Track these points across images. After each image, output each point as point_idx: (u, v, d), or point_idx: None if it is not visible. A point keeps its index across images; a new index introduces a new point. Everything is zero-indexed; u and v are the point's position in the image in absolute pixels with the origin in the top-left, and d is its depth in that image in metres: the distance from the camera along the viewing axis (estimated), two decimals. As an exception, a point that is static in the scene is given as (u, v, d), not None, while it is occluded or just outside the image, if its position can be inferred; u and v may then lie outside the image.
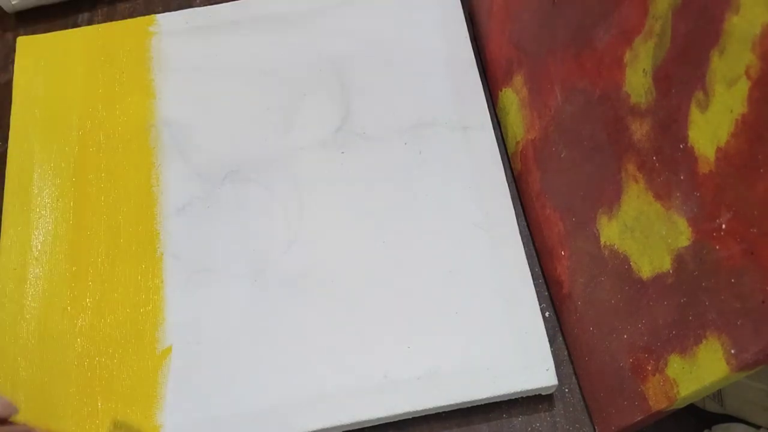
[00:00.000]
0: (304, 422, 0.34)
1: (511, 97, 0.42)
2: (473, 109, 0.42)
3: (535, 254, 0.40)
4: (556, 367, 0.35)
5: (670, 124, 0.26)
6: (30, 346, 0.37)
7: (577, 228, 0.35)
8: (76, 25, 0.48)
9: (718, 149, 0.24)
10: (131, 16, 0.48)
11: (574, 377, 0.37)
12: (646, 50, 0.27)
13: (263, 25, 0.45)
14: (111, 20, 0.48)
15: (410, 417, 0.35)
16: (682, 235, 0.27)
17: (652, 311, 0.29)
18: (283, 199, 0.40)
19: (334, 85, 0.43)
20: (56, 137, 0.42)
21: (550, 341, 0.36)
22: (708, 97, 0.24)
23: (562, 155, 0.36)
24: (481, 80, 0.43)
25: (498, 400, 0.35)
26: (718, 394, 0.34)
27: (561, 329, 0.38)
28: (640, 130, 0.28)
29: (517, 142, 0.41)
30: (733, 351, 0.25)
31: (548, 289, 0.39)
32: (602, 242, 0.33)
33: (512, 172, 0.42)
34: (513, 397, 0.36)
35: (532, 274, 0.38)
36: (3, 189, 0.41)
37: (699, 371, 0.27)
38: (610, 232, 0.32)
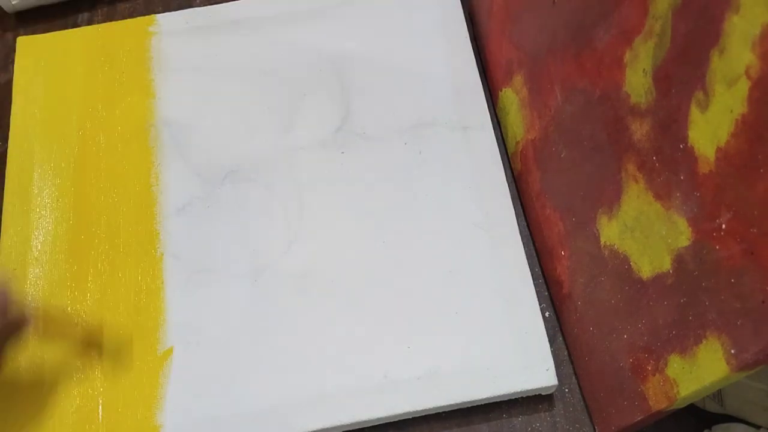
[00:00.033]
0: (304, 422, 0.34)
1: (511, 97, 0.42)
2: (473, 109, 0.42)
3: (535, 254, 0.40)
4: (556, 367, 0.35)
5: (670, 124, 0.26)
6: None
7: (577, 228, 0.35)
8: (75, 25, 0.48)
9: (718, 149, 0.24)
10: (131, 16, 0.48)
11: (574, 377, 0.37)
12: (646, 50, 0.27)
13: (263, 25, 0.45)
14: (111, 20, 0.48)
15: (410, 417, 0.35)
16: (682, 235, 0.27)
17: (652, 311, 0.29)
18: (283, 199, 0.40)
19: (334, 85, 0.43)
20: (56, 137, 0.42)
21: (550, 341, 0.36)
22: (708, 97, 0.24)
23: (562, 155, 0.36)
24: (481, 80, 0.43)
25: (498, 400, 0.35)
26: (718, 394, 0.34)
27: (561, 329, 0.38)
28: (640, 130, 0.28)
29: (517, 142, 0.41)
30: (733, 351, 0.25)
31: (548, 289, 0.39)
32: (602, 242, 0.33)
33: (512, 172, 0.42)
34: (513, 397, 0.36)
35: (532, 274, 0.38)
36: (3, 189, 0.41)
37: (699, 371, 0.27)
38: (610, 232, 0.32)
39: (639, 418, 0.31)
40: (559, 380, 0.35)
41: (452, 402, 0.35)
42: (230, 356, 0.36)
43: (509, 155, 0.43)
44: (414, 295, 0.37)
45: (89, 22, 0.48)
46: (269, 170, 0.41)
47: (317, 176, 0.41)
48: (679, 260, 0.27)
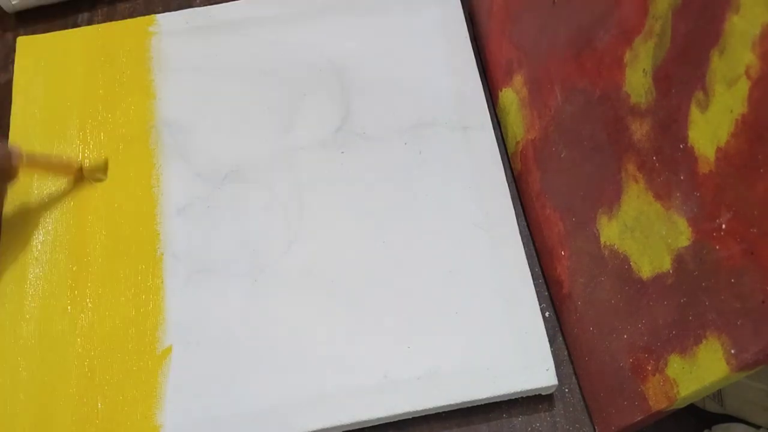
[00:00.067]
0: (304, 422, 0.34)
1: (511, 97, 0.42)
2: (473, 109, 0.42)
3: (535, 254, 0.40)
4: (556, 367, 0.35)
5: (670, 124, 0.26)
6: (30, 346, 0.37)
7: (577, 228, 0.35)
8: (76, 25, 0.48)
9: (718, 149, 0.24)
10: (131, 16, 0.48)
11: (574, 377, 0.37)
12: (646, 50, 0.27)
13: (263, 25, 0.45)
14: (111, 20, 0.48)
15: (410, 417, 0.35)
16: (682, 235, 0.27)
17: (652, 311, 0.29)
18: (283, 199, 0.40)
19: (334, 85, 0.43)
20: (56, 137, 0.42)
21: (550, 341, 0.36)
22: (708, 97, 0.24)
23: (562, 155, 0.36)
24: (481, 80, 0.43)
25: (498, 400, 0.35)
26: (718, 394, 0.34)
27: (561, 329, 0.38)
28: (640, 130, 0.28)
29: (517, 142, 0.41)
30: (733, 351, 0.25)
31: (548, 289, 0.39)
32: (602, 242, 0.33)
33: (512, 172, 0.42)
34: (513, 397, 0.36)
35: (532, 274, 0.38)
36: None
37: (699, 371, 0.27)
38: (610, 232, 0.32)
39: (639, 418, 0.31)
40: (559, 380, 0.35)
41: (452, 402, 0.35)
42: (230, 356, 0.36)
43: (509, 155, 0.43)
44: (414, 295, 0.37)
45: (89, 22, 0.48)
46: (269, 170, 0.41)
47: (317, 176, 0.41)
48: (679, 260, 0.27)
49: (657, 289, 0.29)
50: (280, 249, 0.39)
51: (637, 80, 0.28)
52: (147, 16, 0.46)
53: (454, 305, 0.37)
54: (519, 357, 0.35)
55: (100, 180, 0.41)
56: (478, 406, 0.36)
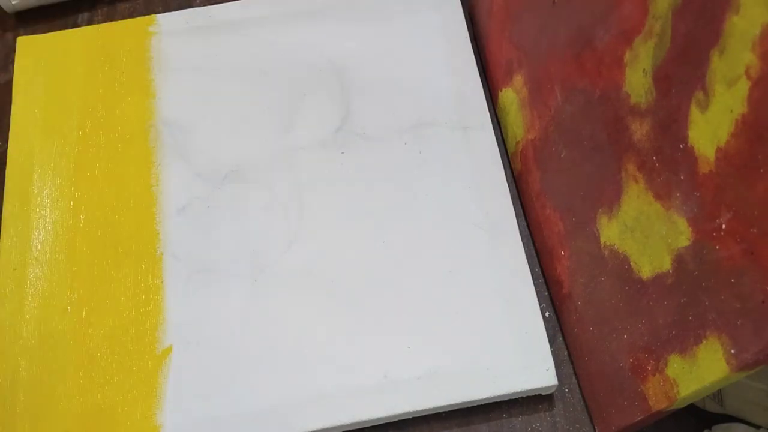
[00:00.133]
0: (304, 422, 0.34)
1: (511, 97, 0.42)
2: (473, 109, 0.42)
3: (535, 254, 0.40)
4: (556, 367, 0.35)
5: (670, 124, 0.26)
6: (30, 346, 0.37)
7: (577, 228, 0.35)
8: (76, 25, 0.48)
9: (718, 149, 0.24)
10: (131, 16, 0.48)
11: (574, 377, 0.37)
12: (646, 50, 0.27)
13: (263, 25, 0.45)
14: (111, 20, 0.48)
15: (410, 417, 0.35)
16: (682, 235, 0.27)
17: (652, 311, 0.29)
18: (283, 199, 0.40)
19: (334, 85, 0.43)
20: (56, 137, 0.42)
21: (550, 341, 0.36)
22: (708, 97, 0.24)
23: (562, 155, 0.36)
24: (481, 80, 0.43)
25: (498, 400, 0.35)
26: (718, 394, 0.34)
27: (561, 329, 0.38)
28: (640, 130, 0.28)
29: (517, 142, 0.41)
30: (733, 351, 0.25)
31: (548, 289, 0.39)
32: (602, 242, 0.33)
33: (512, 172, 0.42)
34: (513, 397, 0.36)
35: (532, 274, 0.38)
36: (3, 189, 0.41)
37: (699, 371, 0.27)
38: (610, 232, 0.32)
39: (639, 418, 0.31)
40: (559, 380, 0.35)
41: (452, 402, 0.35)
42: (230, 356, 0.36)
43: (509, 155, 0.43)
44: (414, 295, 0.37)
45: (89, 22, 0.49)
46: (269, 170, 0.41)
47: (317, 176, 0.41)
48: (679, 260, 0.27)
49: (657, 289, 0.29)
50: (280, 249, 0.39)
51: (637, 80, 0.28)
52: (147, 16, 0.46)
53: (454, 305, 0.37)
54: (519, 357, 0.35)
55: None
56: (478, 406, 0.36)
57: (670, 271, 0.28)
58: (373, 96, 0.43)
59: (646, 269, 0.29)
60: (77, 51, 0.45)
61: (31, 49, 0.45)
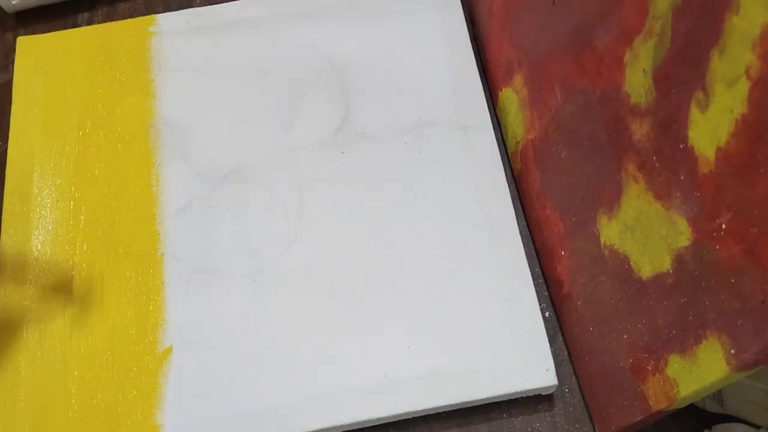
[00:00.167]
0: (304, 422, 0.34)
1: (511, 97, 0.42)
2: (473, 109, 0.42)
3: (535, 254, 0.40)
4: (556, 367, 0.35)
5: (670, 124, 0.26)
6: (30, 346, 0.37)
7: (577, 228, 0.35)
8: (76, 25, 0.48)
9: (718, 149, 0.24)
10: (131, 16, 0.48)
11: (574, 377, 0.37)
12: (646, 50, 0.27)
13: (263, 25, 0.45)
14: (111, 20, 0.48)
15: (410, 417, 0.35)
16: (682, 235, 0.27)
17: (652, 311, 0.29)
18: (283, 199, 0.40)
19: (334, 85, 0.43)
20: (56, 137, 0.42)
21: (550, 341, 0.36)
22: (708, 97, 0.24)
23: (562, 155, 0.36)
24: (481, 80, 0.43)
25: (498, 400, 0.35)
26: (718, 394, 0.34)
27: (561, 329, 0.38)
28: (640, 130, 0.28)
29: (517, 142, 0.41)
30: (733, 351, 0.25)
31: (548, 289, 0.39)
32: (602, 242, 0.33)
33: (512, 172, 0.42)
34: (513, 397, 0.36)
35: (532, 274, 0.38)
36: (3, 189, 0.41)
37: (699, 371, 0.27)
38: (610, 232, 0.32)
39: (639, 418, 0.31)
40: (559, 380, 0.35)
41: (452, 402, 0.35)
42: (230, 356, 0.36)
43: (509, 155, 0.43)
44: (414, 295, 0.37)
45: (89, 22, 0.49)
46: (269, 170, 0.41)
47: (317, 176, 0.41)
48: (679, 260, 0.27)
49: (657, 289, 0.29)
50: (280, 249, 0.39)
51: (637, 80, 0.28)
52: (147, 16, 0.46)
53: (454, 305, 0.37)
54: (519, 357, 0.35)
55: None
56: (478, 406, 0.36)
57: (670, 271, 0.28)
58: (373, 96, 0.43)
59: (646, 269, 0.29)
60: (77, 51, 0.45)
61: (31, 49, 0.45)
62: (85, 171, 0.41)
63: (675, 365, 0.28)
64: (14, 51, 0.45)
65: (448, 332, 0.36)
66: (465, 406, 0.35)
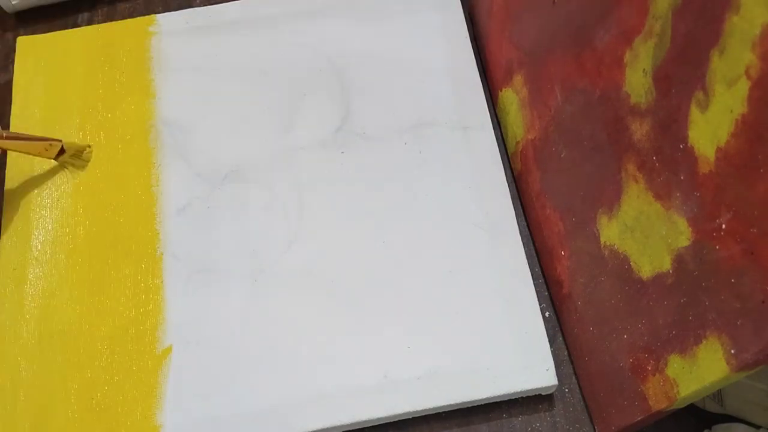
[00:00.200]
0: (304, 422, 0.34)
1: (511, 97, 0.42)
2: (473, 109, 0.42)
3: (535, 254, 0.40)
4: (556, 367, 0.35)
5: (670, 124, 0.26)
6: (30, 346, 0.37)
7: (577, 228, 0.35)
8: (76, 25, 0.48)
9: (718, 149, 0.24)
10: (131, 16, 0.48)
11: (574, 377, 0.37)
12: (646, 50, 0.27)
13: (263, 25, 0.45)
14: (111, 20, 0.48)
15: (410, 417, 0.35)
16: (682, 235, 0.27)
17: (652, 311, 0.29)
18: (283, 199, 0.40)
19: (334, 85, 0.43)
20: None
21: (550, 341, 0.36)
22: (708, 97, 0.24)
23: (562, 155, 0.36)
24: (481, 80, 0.43)
25: (498, 400, 0.35)
26: (718, 394, 0.34)
27: (561, 329, 0.38)
28: (640, 130, 0.28)
29: (517, 142, 0.41)
30: (733, 351, 0.25)
31: (548, 289, 0.39)
32: (602, 242, 0.33)
33: (512, 172, 0.42)
34: (513, 397, 0.36)
35: (532, 274, 0.38)
36: (3, 189, 0.41)
37: (699, 371, 0.27)
38: (610, 232, 0.32)
39: (639, 418, 0.31)
40: (559, 380, 0.35)
41: (452, 402, 0.35)
42: (230, 356, 0.36)
43: (509, 155, 0.43)
44: (414, 295, 0.37)
45: (89, 22, 0.49)
46: (269, 170, 0.41)
47: (317, 176, 0.41)
48: (679, 260, 0.27)
49: (657, 289, 0.29)
50: (280, 249, 0.39)
51: (637, 80, 0.28)
52: (147, 16, 0.46)
53: (454, 305, 0.37)
54: (519, 357, 0.35)
55: (79, 167, 0.41)
56: (478, 406, 0.36)
57: (670, 271, 0.28)
58: (373, 96, 0.43)
59: (646, 269, 0.29)
60: (77, 51, 0.45)
61: (31, 49, 0.45)
62: (86, 171, 0.41)
63: (675, 365, 0.28)
64: (14, 51, 0.45)
65: (448, 332, 0.36)
66: (465, 406, 0.35)
